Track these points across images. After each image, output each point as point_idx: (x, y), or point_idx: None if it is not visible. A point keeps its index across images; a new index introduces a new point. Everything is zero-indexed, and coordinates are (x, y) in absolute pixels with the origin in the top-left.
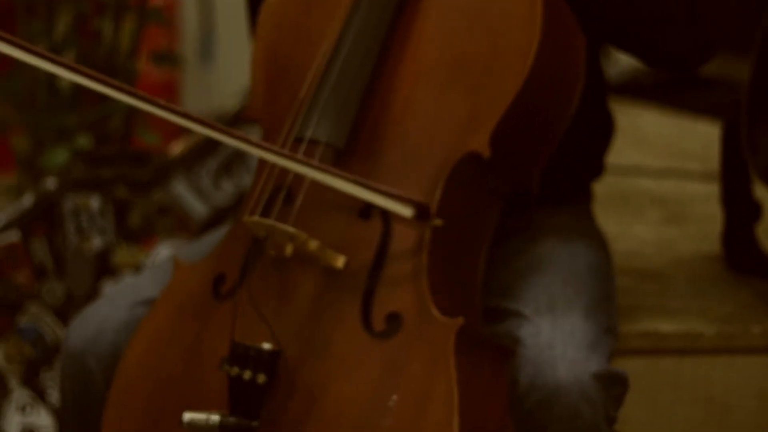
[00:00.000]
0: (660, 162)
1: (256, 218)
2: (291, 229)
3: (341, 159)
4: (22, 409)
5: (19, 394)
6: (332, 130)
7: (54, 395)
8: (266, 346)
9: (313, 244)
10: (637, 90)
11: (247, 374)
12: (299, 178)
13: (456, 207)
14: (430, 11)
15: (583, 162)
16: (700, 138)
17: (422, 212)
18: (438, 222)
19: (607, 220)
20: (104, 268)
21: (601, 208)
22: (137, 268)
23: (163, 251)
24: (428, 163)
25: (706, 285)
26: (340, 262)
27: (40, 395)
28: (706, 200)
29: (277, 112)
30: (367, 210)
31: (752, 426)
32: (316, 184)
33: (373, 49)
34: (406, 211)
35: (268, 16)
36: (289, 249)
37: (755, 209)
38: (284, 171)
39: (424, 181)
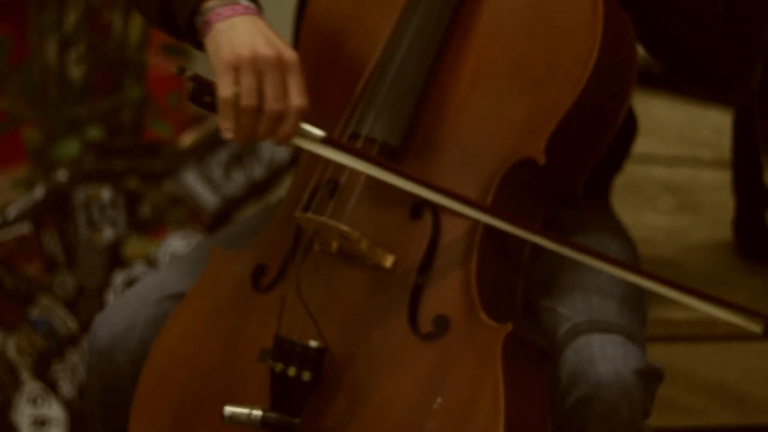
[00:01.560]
0: (672, 150)
1: (310, 215)
2: (345, 228)
3: (396, 158)
4: (34, 401)
5: (31, 387)
6: (388, 128)
7: (65, 387)
8: (313, 343)
9: (364, 243)
10: (648, 79)
11: (292, 371)
12: (354, 175)
13: (506, 211)
14: (489, 11)
15: (608, 159)
16: (711, 126)
17: None
18: None
19: (620, 209)
20: (115, 259)
21: (614, 197)
22: (148, 260)
23: (174, 242)
24: (483, 166)
25: (718, 272)
26: (389, 261)
27: (51, 387)
28: (718, 188)
29: (325, 102)
30: (418, 209)
31: (767, 412)
32: (370, 183)
33: (431, 47)
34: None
35: (320, 5)
36: (335, 245)
37: (767, 196)
38: (339, 167)
39: (477, 183)
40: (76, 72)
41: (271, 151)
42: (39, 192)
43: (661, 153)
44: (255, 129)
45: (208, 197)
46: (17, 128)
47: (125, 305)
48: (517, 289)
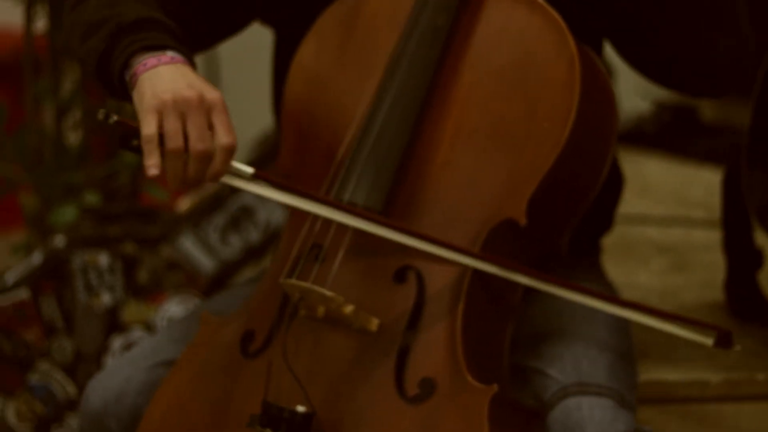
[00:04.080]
0: (664, 210)
1: (294, 281)
2: (329, 294)
3: None
4: None
5: None
6: (370, 193)
7: None
8: (300, 408)
9: (349, 308)
10: (640, 138)
11: None
12: (337, 239)
13: (488, 272)
14: (468, 73)
15: (595, 217)
16: (704, 185)
17: None
18: (738, 348)
19: (613, 270)
20: (113, 324)
21: (607, 257)
22: (146, 324)
23: (171, 307)
24: (465, 228)
25: None
26: (373, 325)
27: None
28: (711, 248)
29: (308, 168)
30: (402, 273)
31: None
32: (354, 247)
33: (411, 112)
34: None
35: (300, 72)
36: (321, 310)
37: (757, 257)
38: (323, 232)
39: (460, 245)
40: (72, 138)
41: (267, 216)
42: (37, 258)
43: (654, 213)
44: (185, 171)
45: (204, 262)
46: (14, 194)
47: (117, 371)
48: (503, 350)
